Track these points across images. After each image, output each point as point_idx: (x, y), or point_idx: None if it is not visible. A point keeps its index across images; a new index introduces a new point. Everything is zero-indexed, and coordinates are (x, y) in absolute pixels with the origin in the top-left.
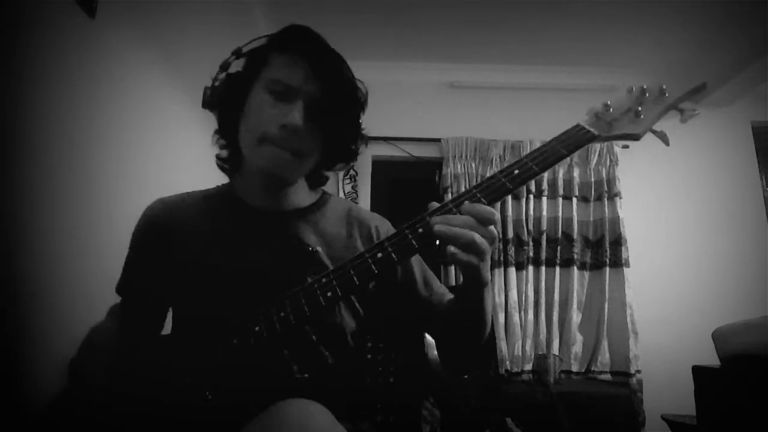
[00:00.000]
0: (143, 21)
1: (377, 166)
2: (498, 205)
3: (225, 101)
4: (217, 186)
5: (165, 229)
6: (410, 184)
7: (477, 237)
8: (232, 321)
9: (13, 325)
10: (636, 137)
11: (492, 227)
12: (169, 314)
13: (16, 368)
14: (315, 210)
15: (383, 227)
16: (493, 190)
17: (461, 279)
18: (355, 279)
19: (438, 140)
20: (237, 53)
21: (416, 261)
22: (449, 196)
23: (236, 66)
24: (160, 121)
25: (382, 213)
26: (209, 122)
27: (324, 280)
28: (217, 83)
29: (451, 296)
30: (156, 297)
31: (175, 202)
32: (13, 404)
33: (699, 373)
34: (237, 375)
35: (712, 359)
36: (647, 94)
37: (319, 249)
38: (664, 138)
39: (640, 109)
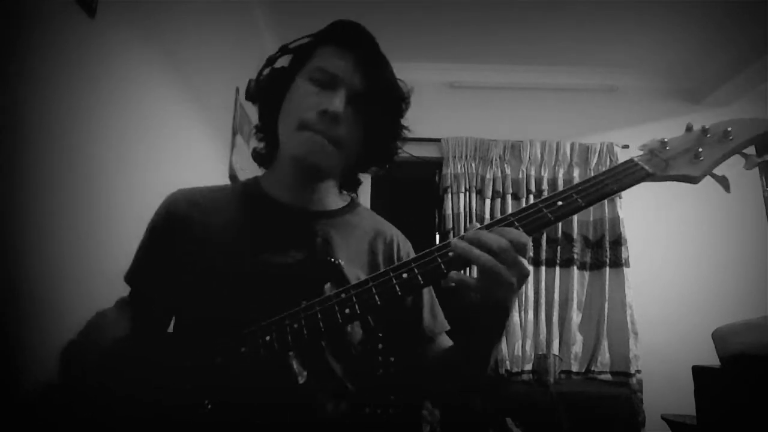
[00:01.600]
0: (143, 21)
1: None
2: (498, 204)
3: (267, 94)
4: (243, 181)
5: (184, 219)
6: (410, 184)
7: (500, 266)
8: (242, 327)
9: (12, 325)
10: (694, 180)
11: (525, 261)
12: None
13: (16, 368)
14: (343, 215)
15: (405, 247)
16: (533, 219)
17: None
18: (377, 299)
19: (438, 140)
20: (283, 50)
21: (427, 289)
22: (449, 196)
23: (282, 62)
24: (160, 121)
25: (382, 213)
26: (209, 122)
27: (343, 295)
28: (261, 77)
29: (450, 343)
30: (167, 291)
31: (196, 194)
32: (13, 405)
33: (699, 373)
34: (241, 384)
35: (712, 359)
36: (708, 135)
37: (342, 262)
38: (724, 183)
39: (700, 150)
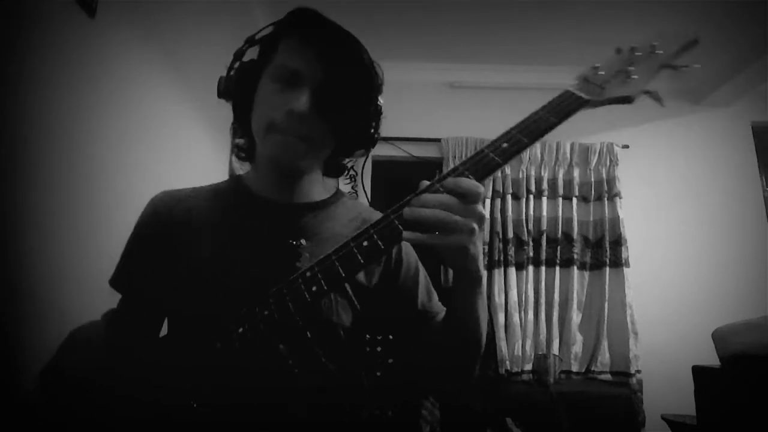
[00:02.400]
0: (143, 21)
1: (377, 166)
2: (498, 204)
3: (238, 90)
4: (225, 180)
5: (169, 221)
6: (410, 184)
7: (453, 217)
8: (218, 322)
9: (12, 325)
10: (629, 100)
11: (478, 206)
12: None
13: (16, 368)
14: (326, 207)
15: None
16: (481, 165)
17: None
18: (340, 270)
19: (438, 140)
20: (250, 41)
21: (422, 270)
22: None
23: (250, 54)
24: (160, 120)
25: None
26: (209, 122)
27: (308, 273)
28: (231, 72)
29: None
30: (153, 293)
31: (181, 195)
32: (13, 405)
33: (699, 373)
34: (222, 378)
35: (712, 359)
36: (637, 53)
37: (303, 242)
38: (657, 98)
39: (631, 68)
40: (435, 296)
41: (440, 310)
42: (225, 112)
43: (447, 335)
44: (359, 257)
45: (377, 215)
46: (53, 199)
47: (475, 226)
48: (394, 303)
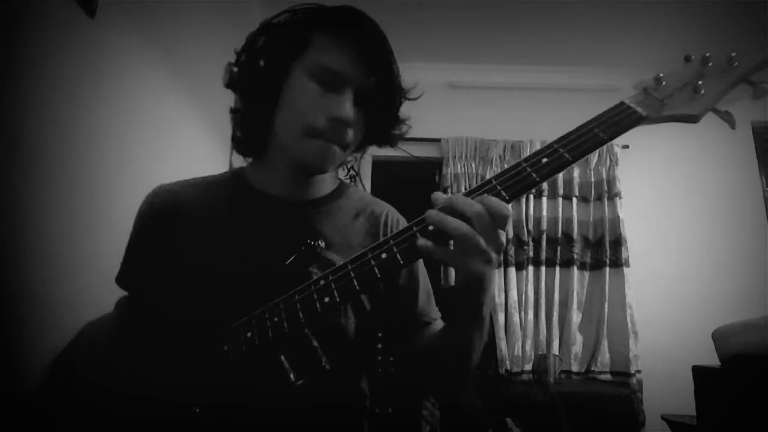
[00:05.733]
0: (143, 21)
1: (377, 166)
2: None
3: (256, 82)
4: (223, 173)
5: (169, 216)
6: (410, 184)
7: (478, 238)
8: (226, 325)
9: (12, 325)
10: (694, 119)
11: (503, 234)
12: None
13: (16, 368)
14: (334, 200)
15: (393, 217)
16: (517, 181)
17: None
18: (356, 284)
19: (438, 140)
20: (266, 29)
21: (422, 271)
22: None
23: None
24: (161, 120)
25: None
26: (210, 121)
27: (322, 282)
28: (243, 58)
29: (442, 324)
30: (157, 290)
31: (179, 188)
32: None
33: (699, 373)
34: (227, 383)
35: (712, 359)
36: (710, 64)
37: (321, 243)
38: (729, 119)
39: (700, 83)
40: (433, 300)
41: (437, 316)
42: (225, 112)
43: (442, 347)
44: (376, 272)
45: (384, 206)
46: (53, 199)
47: (494, 256)
48: (394, 307)
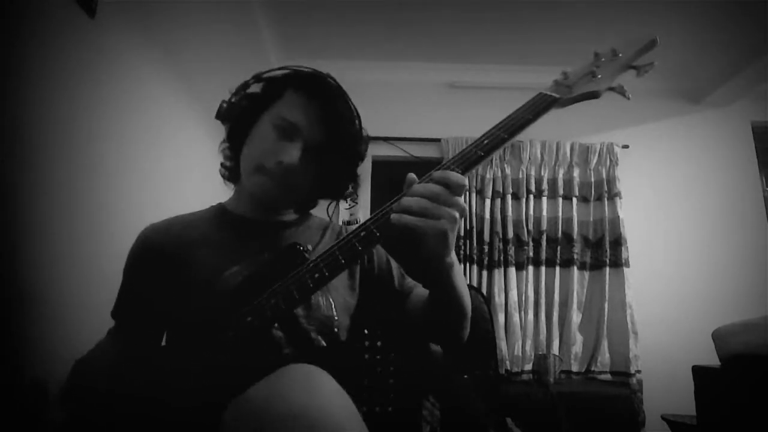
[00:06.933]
0: (143, 21)
1: (377, 166)
2: (498, 204)
3: (237, 119)
4: (209, 208)
5: (159, 251)
6: None
7: (438, 206)
8: (229, 318)
9: (12, 325)
10: (596, 95)
11: (461, 198)
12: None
13: (16, 368)
14: (299, 222)
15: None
16: (466, 158)
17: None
18: (341, 258)
19: (438, 140)
20: (257, 78)
21: (392, 259)
22: None
23: (255, 88)
24: (160, 121)
25: None
26: (209, 122)
27: (312, 265)
28: (234, 99)
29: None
30: (154, 318)
31: (166, 225)
32: (13, 404)
33: (699, 373)
34: (235, 365)
35: (712, 359)
36: (602, 58)
37: (309, 247)
38: (622, 91)
39: (596, 70)
40: (406, 276)
41: (414, 285)
42: None
43: (432, 313)
44: (357, 245)
45: (346, 229)
46: (53, 199)
47: (457, 215)
48: (376, 290)
